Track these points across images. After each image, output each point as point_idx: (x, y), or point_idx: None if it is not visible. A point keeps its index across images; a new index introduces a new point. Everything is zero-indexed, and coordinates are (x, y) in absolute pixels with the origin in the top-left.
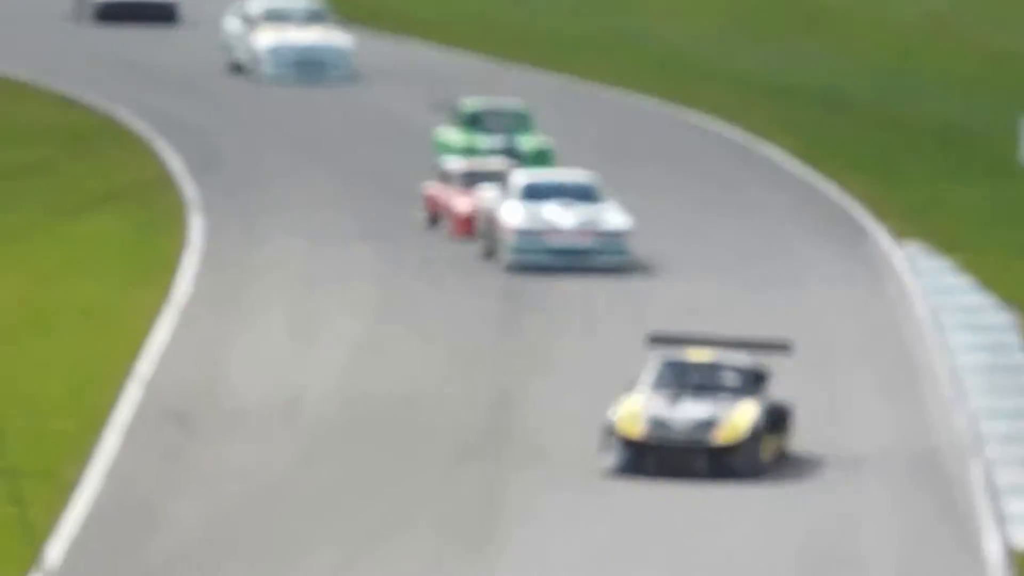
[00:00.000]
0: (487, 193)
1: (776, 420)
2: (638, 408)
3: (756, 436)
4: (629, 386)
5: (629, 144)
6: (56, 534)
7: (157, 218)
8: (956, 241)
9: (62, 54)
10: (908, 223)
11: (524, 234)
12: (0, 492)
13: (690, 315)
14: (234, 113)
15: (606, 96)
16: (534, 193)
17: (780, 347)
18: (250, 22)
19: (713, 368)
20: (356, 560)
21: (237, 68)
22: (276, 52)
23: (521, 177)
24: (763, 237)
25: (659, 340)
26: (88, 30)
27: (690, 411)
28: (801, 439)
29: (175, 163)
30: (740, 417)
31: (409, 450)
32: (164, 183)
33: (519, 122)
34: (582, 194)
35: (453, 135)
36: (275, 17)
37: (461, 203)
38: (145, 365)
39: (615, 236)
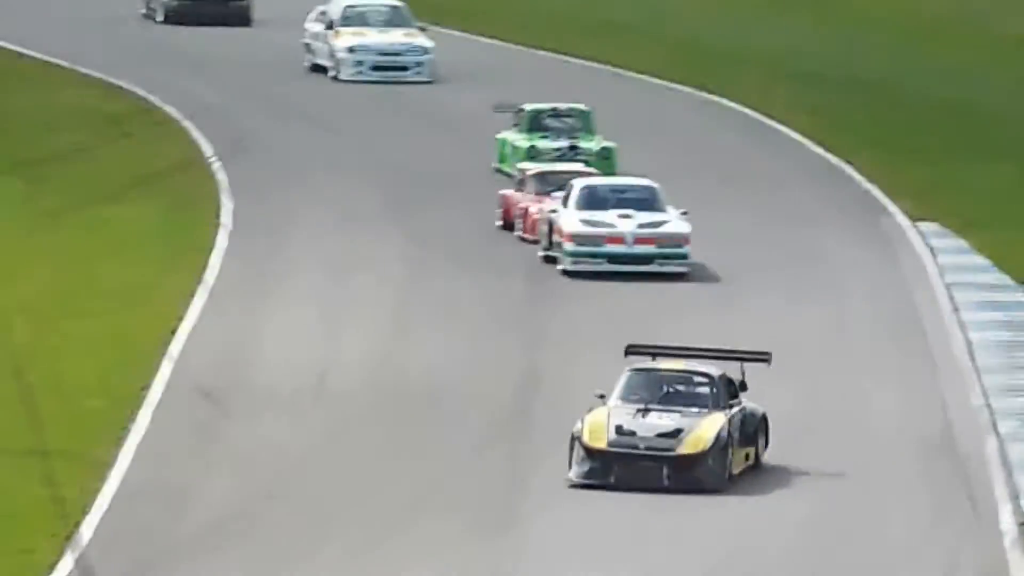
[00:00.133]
0: (549, 199)
1: (749, 430)
2: (603, 419)
3: (722, 447)
4: (603, 396)
5: (652, 124)
6: (89, 513)
7: (190, 202)
8: (971, 221)
9: (126, 51)
10: (923, 203)
11: (582, 240)
12: (34, 472)
13: (707, 288)
14: (295, 107)
15: (626, 78)
16: (594, 199)
17: (760, 358)
18: (330, 25)
19: (683, 378)
20: (384, 538)
21: (318, 70)
22: (356, 54)
23: (581, 183)
24: (780, 215)
25: (636, 351)
26: (155, 30)
27: (656, 422)
28: (819, 415)
29: (207, 147)
30: (706, 428)
31: (436, 429)
32: (197, 167)
33: (582, 123)
34: (643, 201)
35: (516, 137)
36: (355, 19)
37: (534, 207)
38: (177, 345)
39: (675, 243)
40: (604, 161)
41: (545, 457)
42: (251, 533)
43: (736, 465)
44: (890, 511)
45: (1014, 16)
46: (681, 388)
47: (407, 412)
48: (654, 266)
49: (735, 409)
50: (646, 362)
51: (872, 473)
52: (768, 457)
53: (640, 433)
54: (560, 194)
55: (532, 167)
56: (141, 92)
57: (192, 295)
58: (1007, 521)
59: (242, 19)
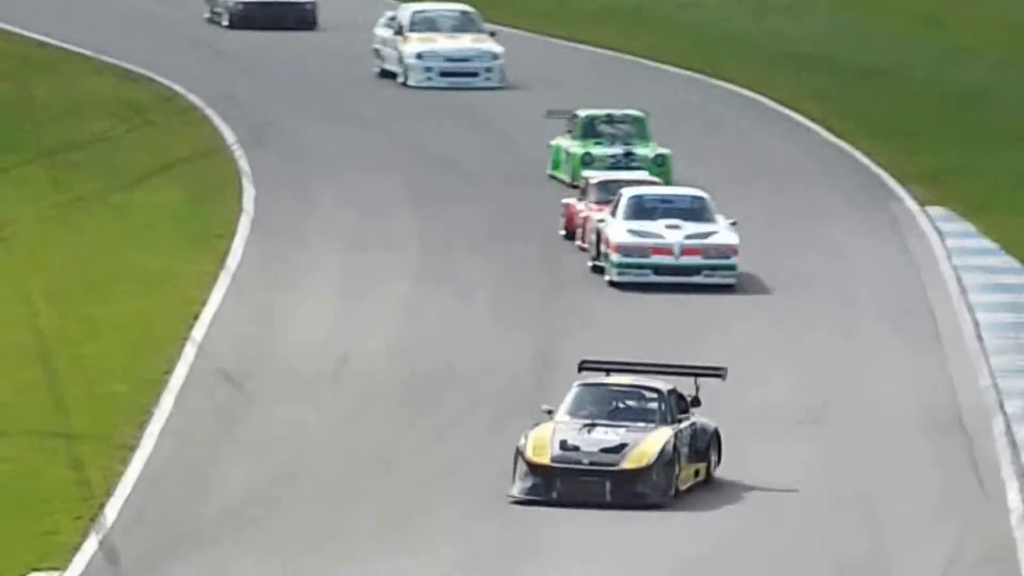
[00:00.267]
0: (596, 209)
1: (699, 446)
2: (548, 434)
3: (666, 462)
4: (551, 411)
5: (667, 110)
6: (113, 495)
7: (212, 188)
8: (979, 205)
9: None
10: (932, 188)
11: (628, 251)
12: (59, 454)
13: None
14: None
15: (638, 66)
16: (642, 209)
17: (715, 373)
18: (399, 30)
19: (631, 393)
20: (403, 519)
21: (387, 76)
22: (424, 60)
23: (629, 192)
24: (790, 199)
25: (587, 367)
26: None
27: (601, 437)
28: (833, 397)
29: (229, 135)
30: (650, 443)
31: (454, 410)
32: (219, 154)
33: (637, 129)
34: (691, 211)
35: (569, 144)
36: (424, 25)
37: (595, 216)
38: (199, 330)
39: (722, 254)
40: (659, 168)
41: None
42: (273, 515)
43: (684, 481)
44: (899, 488)
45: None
46: (629, 403)
47: (426, 395)
48: (701, 277)
49: (684, 424)
50: (595, 377)
51: (881, 451)
52: (721, 472)
53: (584, 448)
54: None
55: (595, 175)
56: (166, 81)
57: (214, 280)
58: (1014, 499)
59: (307, 22)
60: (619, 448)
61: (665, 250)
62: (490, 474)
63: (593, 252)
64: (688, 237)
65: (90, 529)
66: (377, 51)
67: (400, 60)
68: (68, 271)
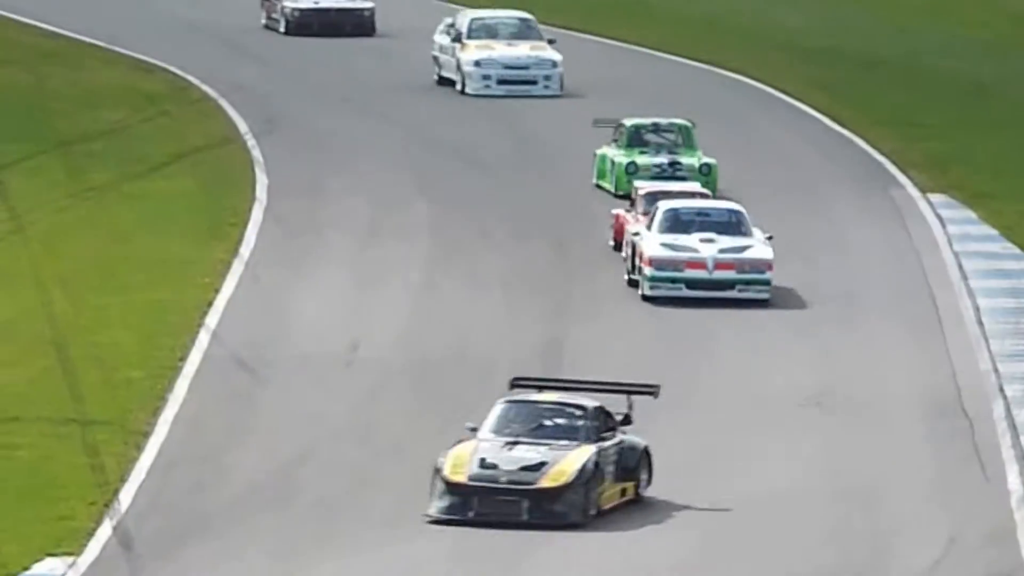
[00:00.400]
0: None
1: (627, 464)
2: (468, 452)
3: (585, 481)
4: (475, 429)
5: (673, 101)
6: (127, 481)
7: (226, 177)
8: (979, 192)
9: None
10: (933, 175)
11: (661, 265)
12: (74, 440)
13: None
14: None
15: (646, 57)
16: (677, 222)
17: (647, 391)
18: (458, 37)
19: (555, 411)
20: (416, 502)
21: (445, 84)
22: (482, 68)
23: (665, 205)
24: (795, 186)
25: (519, 383)
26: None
27: (522, 454)
28: (835, 381)
29: (242, 125)
30: (570, 461)
31: (465, 397)
32: (233, 144)
33: (682, 138)
34: (727, 224)
35: (615, 153)
36: (482, 32)
37: (631, 228)
38: (213, 317)
39: (756, 269)
40: (704, 177)
41: None
42: (286, 500)
43: (608, 500)
44: (901, 471)
45: None
46: (554, 421)
47: (437, 381)
48: (735, 292)
49: (610, 442)
50: (521, 394)
51: (883, 434)
52: (653, 491)
53: (503, 466)
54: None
55: (644, 186)
56: (179, 71)
57: (228, 268)
58: (1014, 481)
59: (365, 29)
60: (538, 466)
61: (699, 264)
62: None
63: (629, 266)
64: (722, 251)
65: (104, 514)
66: (435, 58)
67: (458, 67)
68: (83, 260)
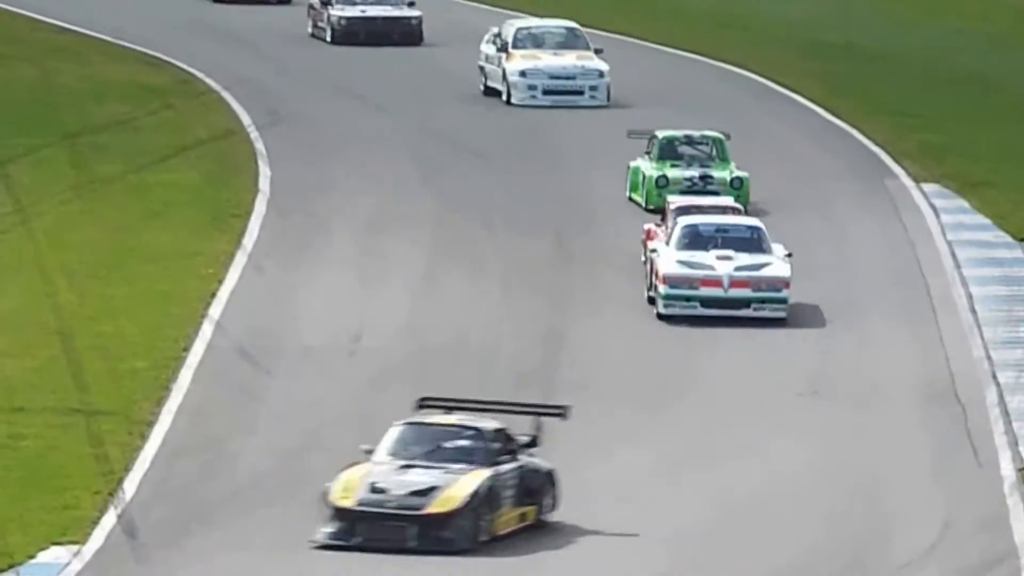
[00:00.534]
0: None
1: (528, 488)
2: (358, 476)
3: (476, 506)
4: (370, 451)
5: (668, 93)
6: (132, 470)
7: (229, 169)
8: (972, 182)
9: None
10: (927, 165)
11: (676, 282)
12: (79, 430)
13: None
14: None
15: (643, 50)
16: (695, 239)
17: (556, 412)
18: (504, 47)
19: (452, 433)
20: None
21: (491, 94)
22: (528, 78)
23: (684, 221)
24: (791, 176)
25: (426, 404)
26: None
27: (414, 478)
28: (830, 369)
29: (246, 118)
30: (461, 486)
31: (465, 386)
32: (236, 137)
33: (715, 151)
34: (746, 241)
35: (647, 166)
36: (528, 41)
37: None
38: (217, 307)
39: (772, 287)
40: (736, 191)
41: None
42: (290, 488)
43: (504, 524)
44: (895, 457)
45: None
46: (451, 443)
47: (438, 371)
48: (750, 311)
49: (508, 466)
50: (417, 416)
51: (878, 421)
52: (558, 515)
53: (393, 491)
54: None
55: (675, 200)
56: (184, 65)
57: (231, 259)
58: (1007, 467)
59: (413, 37)
60: (428, 491)
61: (714, 282)
62: None
63: (648, 282)
64: (739, 269)
65: (109, 503)
66: (481, 68)
67: (503, 78)
68: (88, 251)
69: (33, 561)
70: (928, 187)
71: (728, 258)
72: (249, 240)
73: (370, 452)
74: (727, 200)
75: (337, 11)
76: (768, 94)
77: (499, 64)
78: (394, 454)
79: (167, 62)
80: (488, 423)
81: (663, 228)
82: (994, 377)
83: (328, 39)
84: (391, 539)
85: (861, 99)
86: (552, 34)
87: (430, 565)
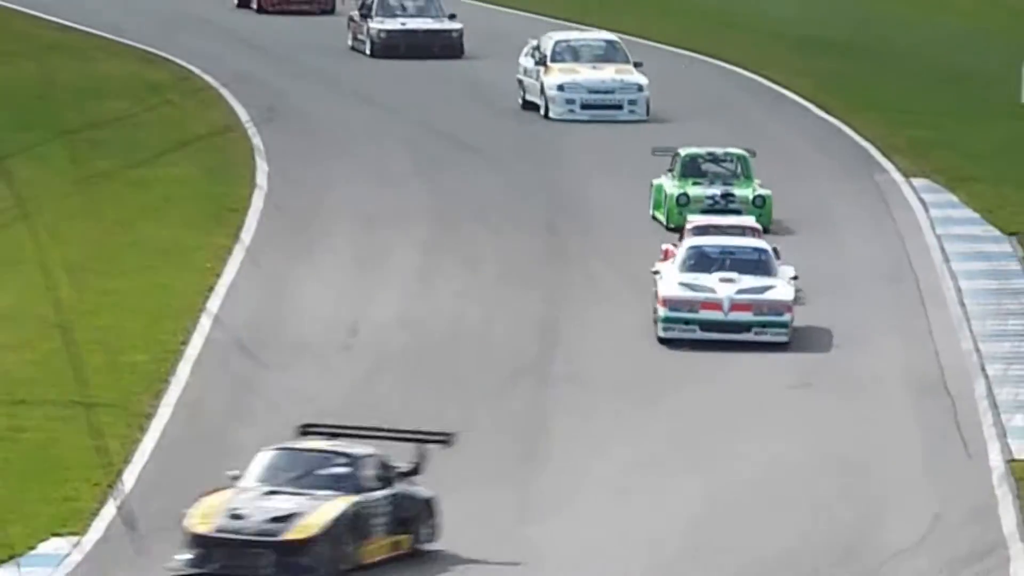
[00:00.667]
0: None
1: (402, 516)
2: (219, 502)
3: (337, 533)
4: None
5: (661, 89)
6: (131, 462)
7: (227, 165)
8: (961, 177)
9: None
10: (916, 160)
11: (676, 305)
12: (79, 422)
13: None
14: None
15: (635, 46)
16: (700, 261)
17: (441, 439)
18: (542, 60)
19: (322, 459)
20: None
21: (530, 108)
22: (566, 92)
23: (689, 243)
24: (782, 171)
25: (309, 431)
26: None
27: (277, 505)
28: (821, 362)
29: (243, 114)
30: (322, 513)
31: (460, 378)
32: (234, 132)
33: (738, 168)
34: (752, 263)
35: (669, 184)
36: (567, 55)
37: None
38: (215, 302)
39: (774, 311)
40: (758, 210)
41: (559, 403)
42: None
43: (374, 553)
44: (886, 449)
45: None
46: (320, 469)
47: (433, 363)
48: (751, 335)
49: (379, 493)
50: (285, 442)
51: (868, 413)
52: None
53: (252, 517)
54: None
55: (696, 219)
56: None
57: (229, 253)
58: (996, 458)
59: (454, 50)
60: (288, 518)
61: (714, 305)
62: (493, 439)
63: (653, 305)
64: (740, 292)
65: (109, 495)
66: (520, 82)
67: (541, 91)
68: (87, 245)
69: (33, 552)
70: (917, 182)
71: (731, 281)
72: (247, 235)
73: (236, 478)
74: (747, 220)
75: (377, 24)
76: (757, 89)
77: (537, 78)
78: (262, 480)
79: (166, 59)
80: (361, 449)
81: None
82: (983, 369)
83: (368, 52)
84: (248, 566)
85: (852, 95)
86: (591, 47)
87: None
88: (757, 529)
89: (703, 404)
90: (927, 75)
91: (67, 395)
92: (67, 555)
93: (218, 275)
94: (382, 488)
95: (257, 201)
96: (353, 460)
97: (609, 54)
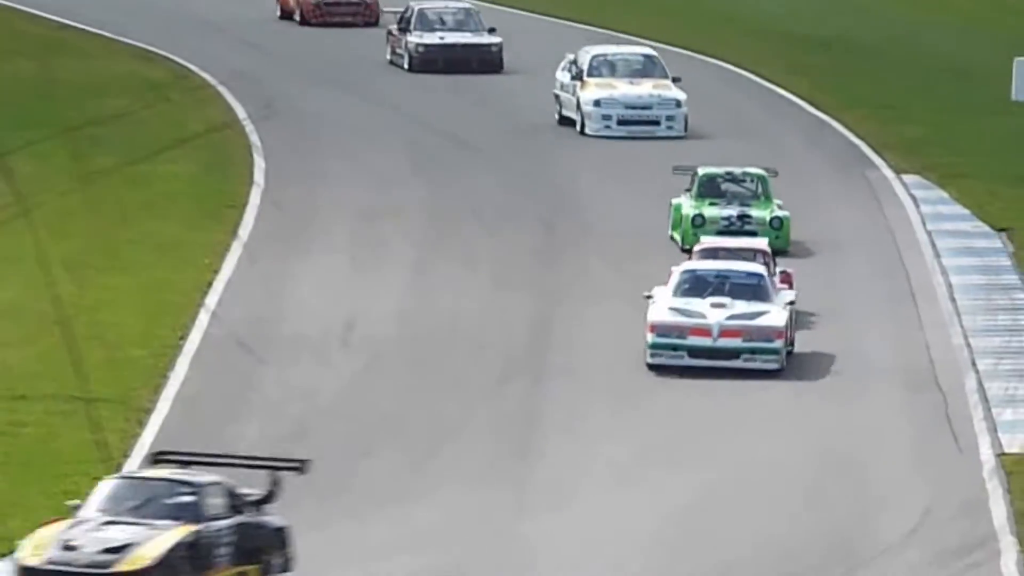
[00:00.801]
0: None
1: (249, 546)
2: (53, 533)
3: (170, 564)
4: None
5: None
6: (130, 456)
7: (225, 161)
8: (951, 173)
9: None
10: (907, 157)
11: (664, 331)
12: (78, 417)
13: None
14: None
15: (626, 43)
16: (694, 285)
17: (292, 467)
18: (579, 75)
19: (166, 488)
20: (408, 472)
21: (566, 123)
22: (602, 107)
23: (684, 267)
24: (776, 166)
25: (162, 459)
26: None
27: (113, 535)
28: (812, 356)
29: (241, 111)
30: (157, 543)
31: (456, 372)
32: (232, 129)
33: (757, 189)
34: (748, 288)
35: (687, 204)
36: (604, 70)
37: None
38: (213, 297)
39: (764, 337)
40: (775, 231)
41: (554, 399)
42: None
43: None
44: (877, 443)
45: None
46: (162, 498)
47: (429, 358)
48: (740, 362)
49: (225, 522)
50: (130, 471)
51: (860, 407)
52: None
53: (85, 548)
54: None
55: (706, 242)
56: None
57: (227, 249)
58: (986, 452)
59: (493, 65)
60: (122, 548)
61: (703, 331)
62: (489, 432)
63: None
64: (731, 317)
65: None
66: (557, 97)
67: (578, 107)
68: (87, 241)
69: None
70: (908, 178)
71: (722, 306)
72: (244, 231)
73: (76, 508)
74: (759, 242)
75: (415, 38)
76: (748, 86)
77: (574, 93)
78: (102, 510)
79: (165, 57)
80: (206, 478)
81: None
82: (973, 364)
83: (406, 66)
84: None
85: (843, 92)
86: (628, 61)
87: None
88: (750, 523)
89: (697, 400)
90: (919, 72)
91: (67, 390)
92: None
93: (216, 271)
94: (228, 517)
95: (255, 198)
96: (196, 488)
97: (647, 69)
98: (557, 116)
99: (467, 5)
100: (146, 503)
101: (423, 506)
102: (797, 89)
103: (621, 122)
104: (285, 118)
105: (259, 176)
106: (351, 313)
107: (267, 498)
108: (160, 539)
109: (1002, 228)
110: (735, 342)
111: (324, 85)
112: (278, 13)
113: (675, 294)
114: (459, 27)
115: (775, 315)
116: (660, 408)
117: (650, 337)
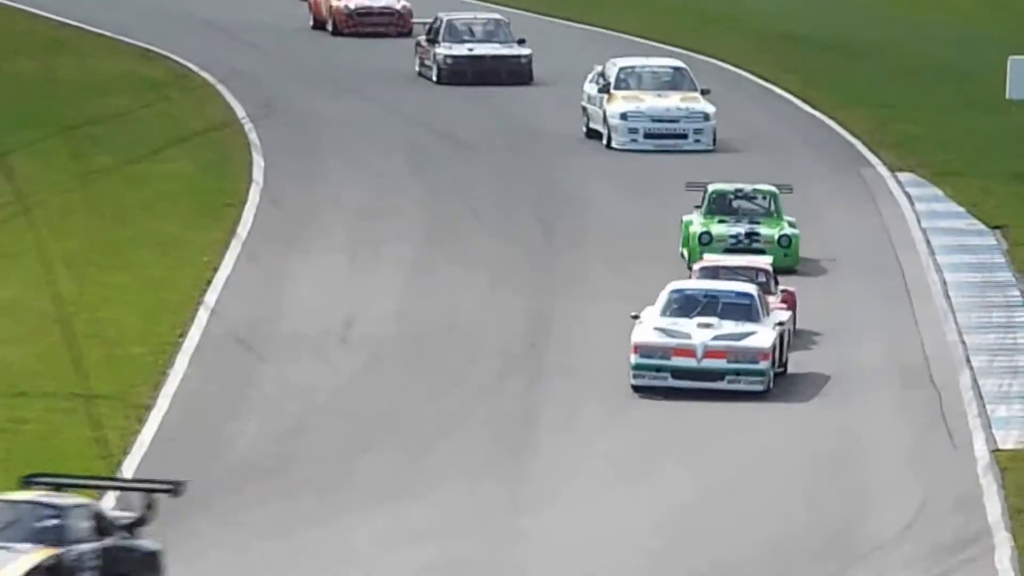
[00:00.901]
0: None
1: (117, 571)
2: None
3: None
4: None
5: None
6: (130, 453)
7: (224, 160)
8: (945, 171)
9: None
10: (902, 155)
11: (647, 352)
12: (78, 414)
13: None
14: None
15: (621, 42)
16: (682, 305)
17: (168, 489)
18: (606, 87)
19: (27, 510)
20: (406, 469)
21: (593, 136)
22: (629, 120)
23: (672, 286)
24: (770, 166)
25: (33, 481)
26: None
27: None
28: (807, 353)
29: (240, 110)
30: (13, 567)
31: (454, 370)
32: (231, 128)
33: (767, 206)
34: (737, 308)
35: (696, 221)
36: (631, 82)
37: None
38: (212, 295)
39: (749, 358)
40: (783, 250)
41: (551, 397)
42: (283, 469)
43: None
44: (872, 439)
45: None
46: (24, 522)
47: (427, 355)
48: (724, 383)
49: (89, 546)
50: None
51: (855, 404)
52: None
53: None
54: None
55: (708, 260)
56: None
57: (226, 247)
58: (980, 449)
59: (522, 76)
60: None
61: (687, 351)
62: (487, 430)
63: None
64: (716, 338)
65: None
66: (584, 109)
67: (604, 120)
68: (87, 239)
69: None
70: (903, 176)
71: (708, 326)
72: (243, 229)
73: None
74: (761, 261)
75: (443, 49)
76: (744, 85)
77: (600, 105)
78: None
79: (164, 55)
80: (71, 500)
81: None
82: (968, 361)
83: (434, 78)
84: None
85: (838, 90)
86: (656, 74)
87: None
88: (746, 519)
89: (694, 399)
90: (913, 71)
91: (67, 387)
92: None
93: (215, 269)
94: (94, 540)
95: (253, 196)
96: (60, 511)
97: (675, 81)
98: (584, 128)
99: (497, 16)
100: (8, 526)
101: (421, 503)
102: (790, 87)
103: (648, 135)
104: (284, 117)
105: (258, 175)
106: (350, 311)
107: (139, 521)
108: (18, 562)
109: (996, 225)
110: (719, 363)
111: (343, 95)
112: (311, 23)
113: (663, 314)
114: (488, 38)
115: (762, 336)
116: (657, 407)
117: (633, 358)
